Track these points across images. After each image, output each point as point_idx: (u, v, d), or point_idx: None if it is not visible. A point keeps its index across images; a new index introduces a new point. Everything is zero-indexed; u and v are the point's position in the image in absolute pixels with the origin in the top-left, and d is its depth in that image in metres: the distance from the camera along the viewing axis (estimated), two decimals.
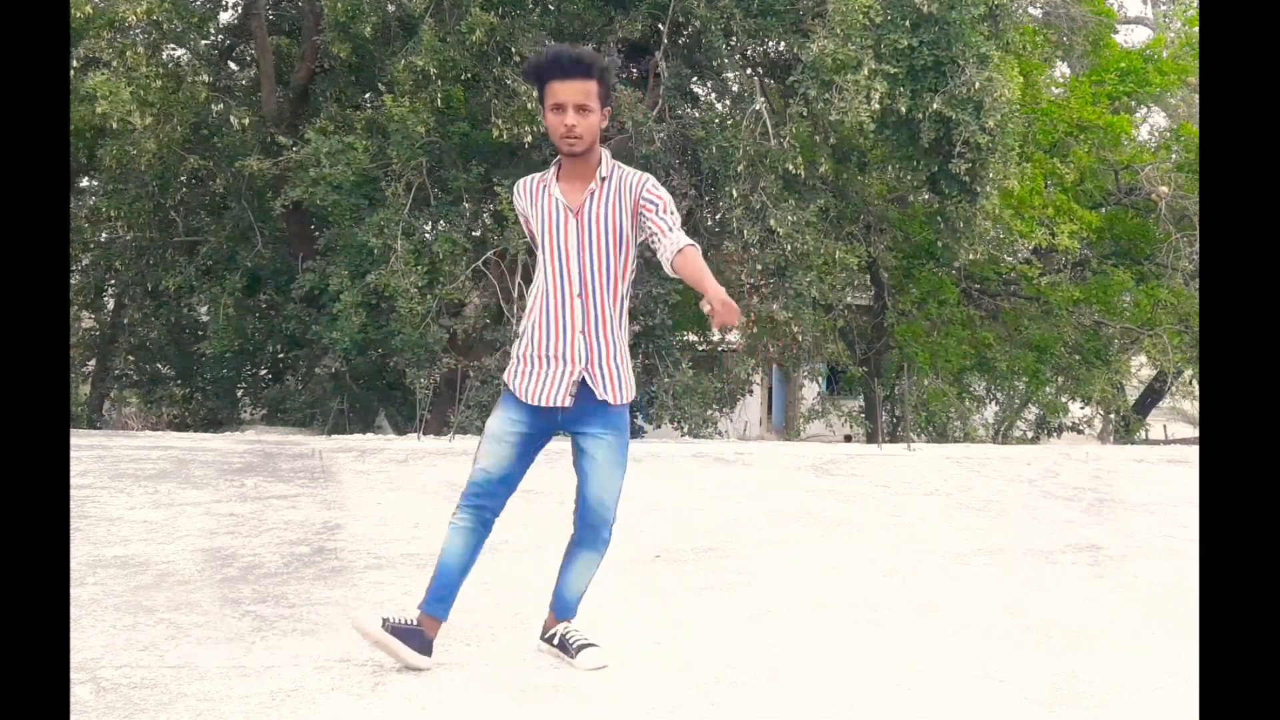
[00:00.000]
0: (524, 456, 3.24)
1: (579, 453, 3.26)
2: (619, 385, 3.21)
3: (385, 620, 3.19)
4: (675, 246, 3.05)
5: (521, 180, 3.28)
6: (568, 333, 3.16)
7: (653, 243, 3.16)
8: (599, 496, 3.25)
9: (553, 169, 3.25)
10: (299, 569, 4.48)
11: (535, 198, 3.23)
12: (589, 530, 3.31)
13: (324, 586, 4.22)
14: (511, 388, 3.23)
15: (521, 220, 3.31)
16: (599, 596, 3.86)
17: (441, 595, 3.25)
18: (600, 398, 3.18)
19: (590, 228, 3.16)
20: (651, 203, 3.15)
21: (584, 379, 3.16)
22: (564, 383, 3.16)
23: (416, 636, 3.20)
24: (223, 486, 6.33)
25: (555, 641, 3.42)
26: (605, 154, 3.23)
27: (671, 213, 3.17)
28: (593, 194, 3.17)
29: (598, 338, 3.17)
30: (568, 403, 3.17)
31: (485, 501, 3.24)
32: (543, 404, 3.17)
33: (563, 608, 3.45)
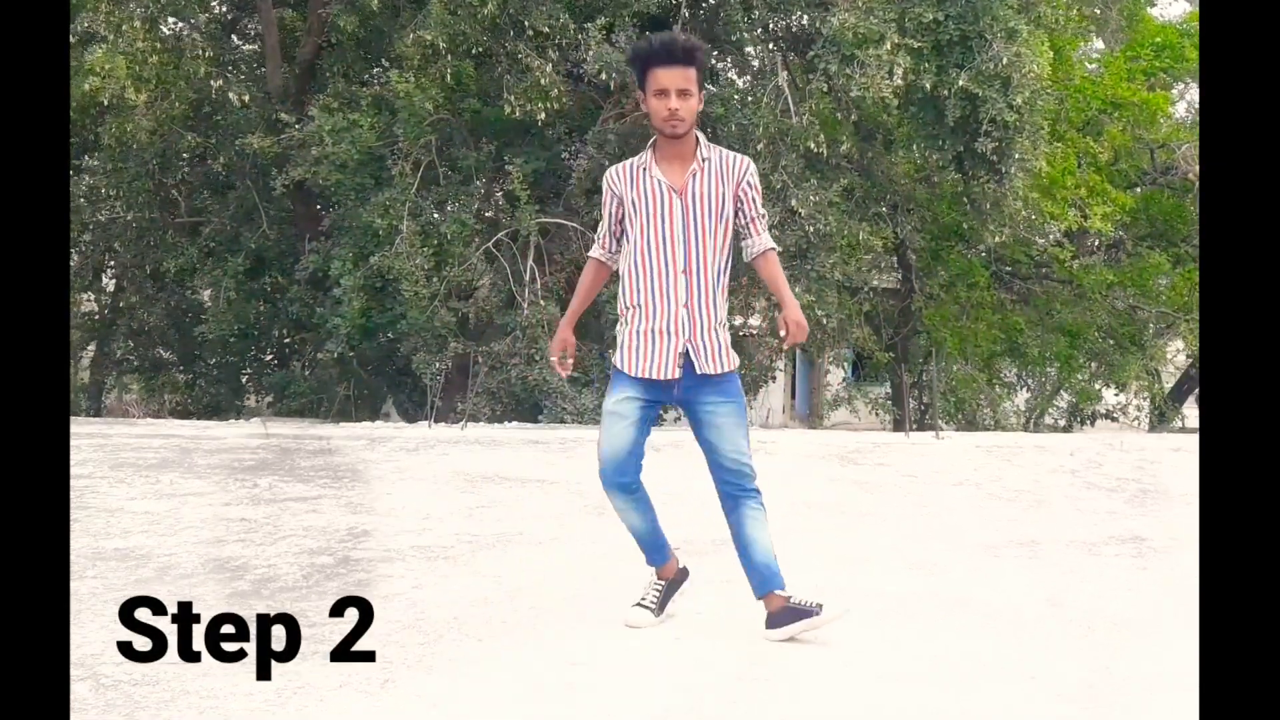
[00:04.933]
0: (642, 427, 3.45)
1: (699, 425, 3.45)
2: (719, 356, 3.41)
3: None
4: (761, 248, 3.46)
5: (615, 167, 3.52)
6: (672, 308, 3.39)
7: (741, 232, 3.49)
8: (734, 455, 3.43)
9: (649, 153, 3.47)
10: (320, 582, 4.24)
11: (635, 181, 3.44)
12: (738, 488, 3.46)
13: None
14: (621, 366, 3.44)
15: (610, 204, 3.52)
16: (618, 589, 3.81)
17: (657, 545, 3.59)
18: (701, 371, 3.39)
19: (695, 206, 3.39)
20: (751, 191, 3.45)
21: (688, 350, 3.38)
22: (670, 355, 3.38)
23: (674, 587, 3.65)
24: (229, 480, 6.15)
25: (792, 622, 3.41)
26: (701, 136, 3.46)
27: (762, 205, 3.50)
28: (695, 174, 3.41)
29: (700, 311, 3.40)
30: (676, 374, 3.39)
31: (623, 478, 3.44)
32: (653, 377, 3.39)
33: (770, 578, 3.45)
